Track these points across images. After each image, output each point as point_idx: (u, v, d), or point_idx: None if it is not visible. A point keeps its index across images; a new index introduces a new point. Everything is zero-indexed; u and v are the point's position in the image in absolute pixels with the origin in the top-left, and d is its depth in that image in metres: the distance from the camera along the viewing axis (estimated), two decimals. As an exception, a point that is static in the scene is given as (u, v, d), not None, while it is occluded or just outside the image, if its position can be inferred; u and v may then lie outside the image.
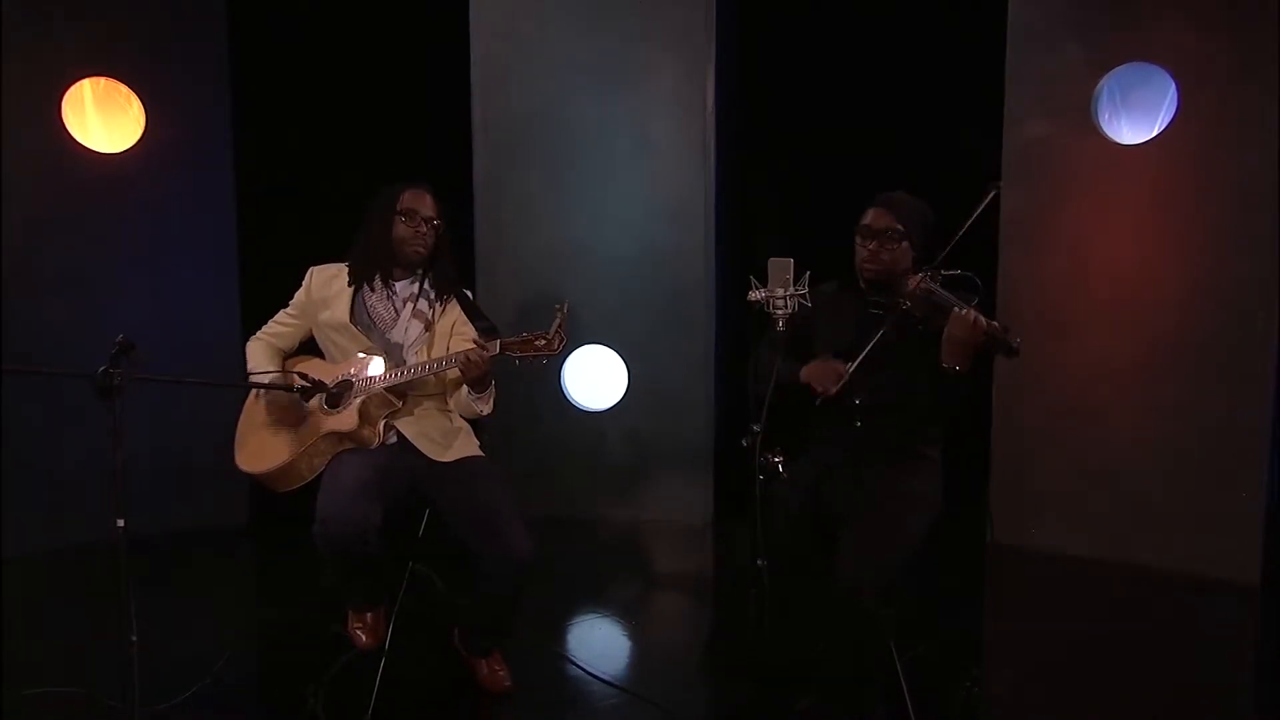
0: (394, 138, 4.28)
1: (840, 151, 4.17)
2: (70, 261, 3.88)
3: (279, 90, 4.29)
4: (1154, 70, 3.54)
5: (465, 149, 4.26)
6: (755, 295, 2.23)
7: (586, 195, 4.23)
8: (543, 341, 2.42)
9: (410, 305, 2.72)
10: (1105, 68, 3.64)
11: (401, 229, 2.67)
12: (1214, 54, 3.45)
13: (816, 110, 4.28)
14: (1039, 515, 3.92)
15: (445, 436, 2.69)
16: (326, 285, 2.74)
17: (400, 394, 2.65)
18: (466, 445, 2.72)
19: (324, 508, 2.45)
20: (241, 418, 2.77)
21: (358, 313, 2.70)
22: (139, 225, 3.99)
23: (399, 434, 2.66)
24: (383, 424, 2.64)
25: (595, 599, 3.59)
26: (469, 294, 2.73)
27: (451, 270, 2.76)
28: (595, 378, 4.30)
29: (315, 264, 2.80)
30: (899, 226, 2.46)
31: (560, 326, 2.43)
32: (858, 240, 2.52)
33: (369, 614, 2.76)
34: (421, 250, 2.68)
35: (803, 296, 2.20)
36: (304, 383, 2.52)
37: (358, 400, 2.58)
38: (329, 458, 2.61)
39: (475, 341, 2.49)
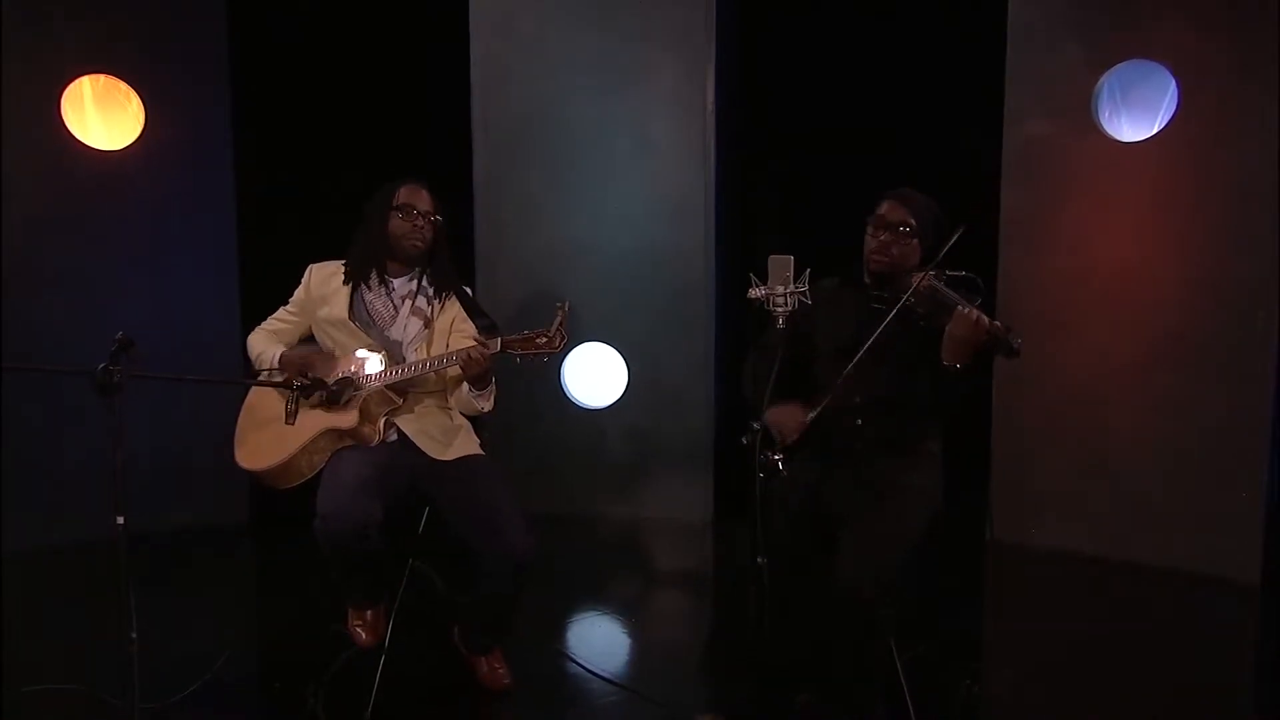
0: (394, 137, 4.28)
1: (840, 151, 4.18)
2: (70, 259, 3.88)
3: (279, 90, 4.29)
4: (1154, 68, 3.55)
5: (465, 148, 4.26)
6: (755, 293, 2.22)
7: (587, 194, 4.23)
8: (544, 339, 2.43)
9: (409, 302, 2.72)
10: (1105, 67, 3.64)
11: (398, 223, 2.67)
12: (1214, 53, 3.46)
13: (816, 110, 4.28)
14: (1039, 514, 3.92)
15: (445, 434, 2.70)
16: (325, 282, 2.75)
17: (400, 391, 2.65)
18: (467, 443, 2.72)
19: (324, 504, 2.45)
20: (241, 414, 2.77)
21: (356, 310, 2.70)
22: (138, 223, 3.99)
23: (399, 431, 2.66)
24: (383, 421, 2.64)
25: (595, 597, 3.59)
26: (468, 291, 2.73)
27: (450, 267, 2.76)
28: (595, 376, 4.31)
29: (311, 264, 2.81)
30: (913, 221, 2.47)
31: (561, 324, 2.43)
32: (869, 230, 2.51)
33: (369, 612, 2.75)
34: (419, 244, 2.69)
35: (803, 294, 2.19)
36: (304, 380, 2.52)
37: (358, 397, 2.58)
38: (329, 455, 2.60)
39: (476, 339, 2.49)
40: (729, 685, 2.85)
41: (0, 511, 3.70)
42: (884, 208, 2.51)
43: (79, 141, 3.86)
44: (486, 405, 2.65)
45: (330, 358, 2.67)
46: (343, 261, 2.76)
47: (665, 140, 4.16)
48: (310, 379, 2.51)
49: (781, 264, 2.19)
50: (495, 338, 2.46)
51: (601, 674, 2.88)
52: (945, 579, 3.48)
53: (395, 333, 2.70)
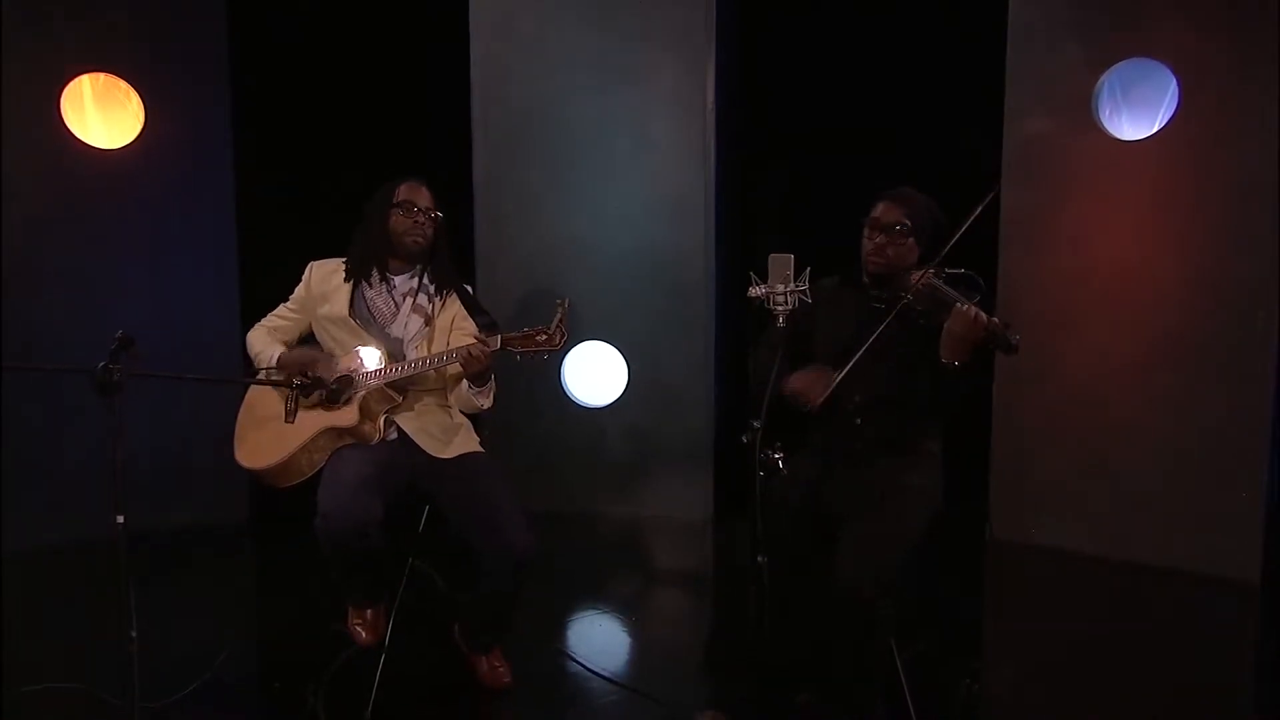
0: (394, 137, 4.28)
1: (840, 151, 4.18)
2: (69, 258, 3.88)
3: (279, 90, 4.29)
4: (1155, 66, 3.54)
5: (465, 148, 4.26)
6: (755, 291, 2.22)
7: (587, 193, 4.23)
8: (544, 336, 2.43)
9: (410, 300, 2.72)
10: (1105, 67, 3.64)
11: (399, 220, 2.68)
12: (1214, 53, 3.46)
13: (816, 110, 4.28)
14: (1039, 513, 3.92)
15: (445, 432, 2.70)
16: (326, 280, 2.75)
17: (400, 389, 2.65)
18: (467, 441, 2.72)
19: (325, 503, 2.45)
20: (241, 413, 2.77)
21: (357, 307, 2.70)
22: (138, 222, 3.99)
23: (399, 430, 2.66)
24: (383, 419, 2.64)
25: (595, 595, 3.59)
26: (469, 289, 2.73)
27: (450, 265, 2.77)
28: (595, 374, 4.31)
29: (312, 261, 2.81)
30: (908, 221, 2.47)
31: (561, 321, 2.43)
32: (865, 232, 2.52)
33: (369, 610, 2.75)
34: (420, 241, 2.69)
35: (803, 293, 2.19)
36: (303, 378, 2.52)
37: (358, 396, 2.58)
38: (329, 453, 2.60)
39: (477, 337, 2.49)
40: (729, 684, 2.84)
41: (0, 510, 3.70)
42: (879, 209, 2.51)
43: (79, 140, 3.85)
44: (486, 403, 2.65)
45: (330, 358, 2.67)
46: (343, 259, 2.76)
47: (665, 139, 4.16)
48: (310, 377, 2.51)
49: (782, 263, 2.19)
50: (495, 335, 2.46)
51: (601, 673, 2.88)
52: (945, 578, 3.48)
53: (396, 330, 2.70)
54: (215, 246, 4.15)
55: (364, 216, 2.75)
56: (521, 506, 2.59)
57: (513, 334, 2.46)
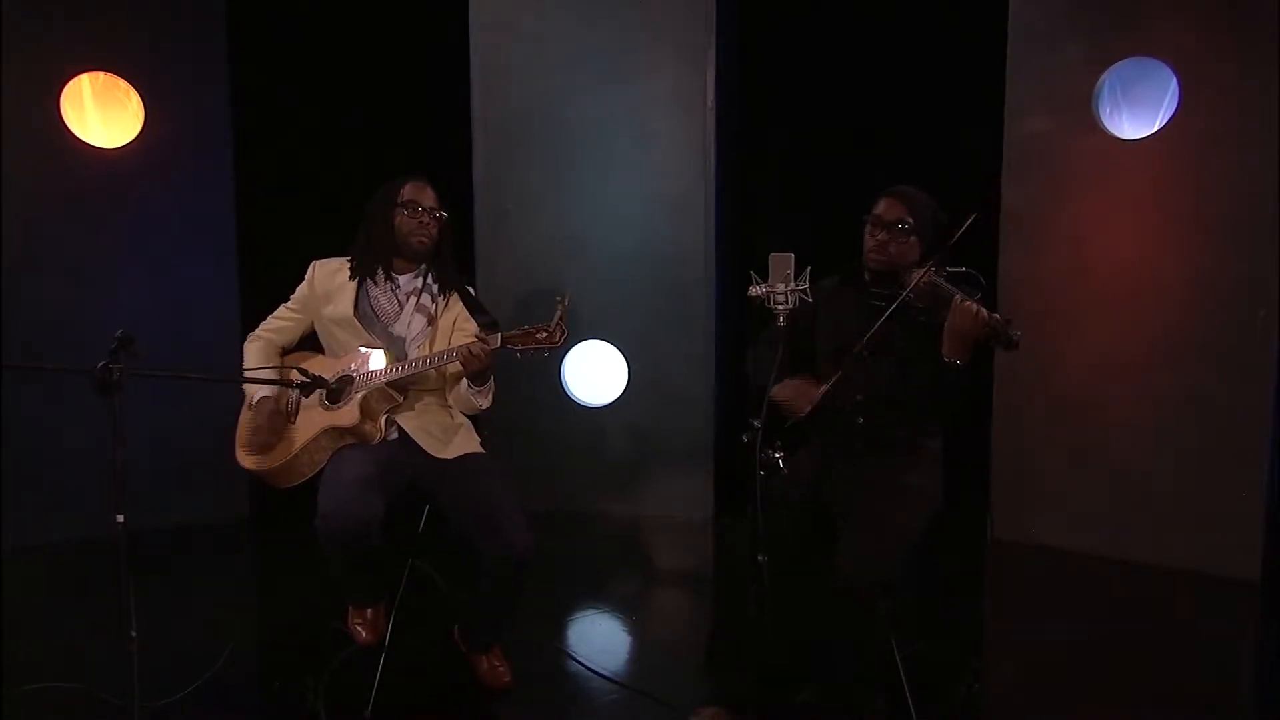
0: (394, 136, 4.28)
1: (840, 151, 4.18)
2: (69, 257, 3.88)
3: (279, 90, 4.28)
4: (1155, 65, 3.54)
5: (465, 146, 4.26)
6: (756, 290, 2.22)
7: (587, 191, 4.23)
8: (544, 334, 2.43)
9: (414, 299, 2.72)
10: (1105, 66, 3.64)
11: (404, 220, 2.67)
12: (1214, 53, 3.46)
13: (816, 110, 4.28)
14: (1039, 512, 3.92)
15: (446, 432, 2.69)
16: (330, 279, 2.74)
17: (401, 389, 2.65)
18: (467, 441, 2.72)
19: (326, 503, 2.45)
20: (241, 417, 2.76)
21: (361, 306, 2.70)
22: (138, 221, 3.99)
23: (400, 429, 2.66)
24: (383, 419, 2.64)
25: (595, 594, 3.59)
26: (470, 289, 2.73)
27: (453, 265, 2.76)
28: (595, 373, 4.31)
29: (315, 260, 2.80)
30: (909, 219, 2.47)
31: (561, 319, 2.43)
32: (867, 230, 2.52)
33: (369, 610, 2.75)
34: (425, 240, 2.69)
35: (803, 292, 2.19)
36: (303, 378, 2.52)
37: (359, 395, 2.58)
38: (330, 453, 2.60)
39: (477, 335, 2.49)
40: (729, 683, 2.84)
41: (0, 510, 3.70)
42: (880, 206, 2.51)
43: (78, 139, 3.85)
44: (485, 403, 2.65)
45: (328, 364, 2.66)
46: (346, 258, 2.76)
47: (665, 138, 4.16)
48: (310, 377, 2.51)
49: (782, 261, 2.19)
50: (496, 334, 2.46)
51: (602, 672, 2.88)
52: (946, 577, 3.48)
53: (399, 329, 2.70)
54: (215, 246, 4.14)
55: (366, 216, 2.74)
56: (521, 506, 2.59)
57: (513, 332, 2.45)
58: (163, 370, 2.95)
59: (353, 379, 2.60)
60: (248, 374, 2.73)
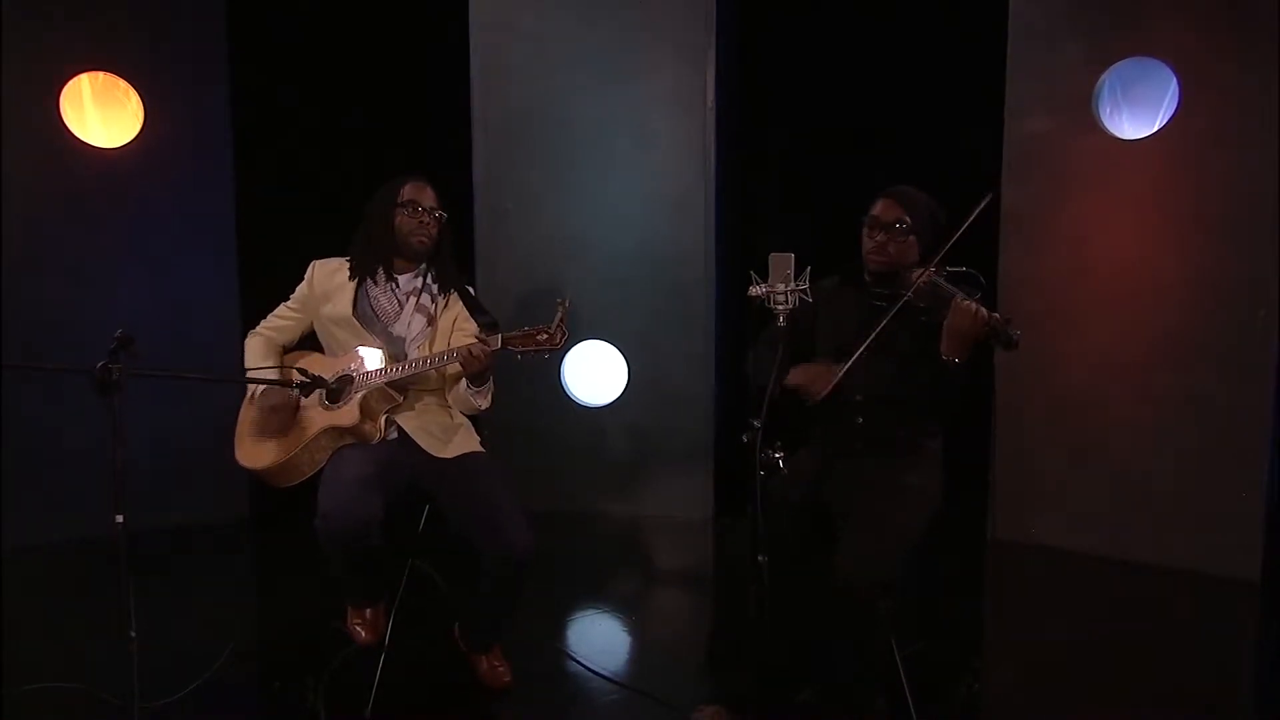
0: (394, 136, 4.28)
1: (840, 151, 4.18)
2: (69, 257, 3.88)
3: (279, 90, 4.28)
4: (1155, 65, 3.54)
5: (465, 146, 4.26)
6: (756, 290, 2.22)
7: (587, 191, 4.23)
8: (544, 335, 2.43)
9: (414, 299, 2.72)
10: (1105, 66, 3.64)
11: (405, 220, 2.67)
12: (1214, 53, 3.46)
13: (816, 110, 4.28)
14: (1039, 512, 3.92)
15: (445, 432, 2.69)
16: (329, 278, 2.74)
17: (401, 389, 2.65)
18: (467, 441, 2.72)
19: (325, 502, 2.45)
20: (241, 415, 2.77)
21: (360, 306, 2.70)
22: (138, 221, 3.99)
23: (399, 429, 2.66)
24: (383, 419, 2.64)
25: (595, 594, 3.59)
26: (470, 289, 2.73)
27: (453, 265, 2.76)
28: (595, 373, 4.31)
29: (314, 260, 2.80)
30: (908, 220, 2.47)
31: (562, 320, 2.43)
32: (865, 231, 2.52)
33: (369, 610, 2.75)
34: (425, 240, 2.69)
35: (804, 292, 2.19)
36: (303, 378, 2.52)
37: (358, 395, 2.58)
38: (329, 453, 2.60)
39: (478, 336, 2.49)
40: (729, 683, 2.84)
41: (0, 509, 3.69)
42: (878, 207, 2.51)
43: (78, 139, 3.85)
44: (484, 403, 2.65)
45: (327, 364, 2.66)
46: (346, 258, 2.76)
47: (665, 138, 4.16)
48: (310, 377, 2.51)
49: (782, 262, 2.19)
50: (496, 335, 2.46)
51: (602, 672, 2.88)
52: (946, 577, 3.48)
53: (399, 329, 2.70)
54: (215, 246, 4.15)
55: (366, 216, 2.74)
56: (521, 506, 2.59)
57: (513, 333, 2.45)
58: (163, 370, 2.95)
59: (352, 379, 2.60)
60: (248, 373, 2.73)
